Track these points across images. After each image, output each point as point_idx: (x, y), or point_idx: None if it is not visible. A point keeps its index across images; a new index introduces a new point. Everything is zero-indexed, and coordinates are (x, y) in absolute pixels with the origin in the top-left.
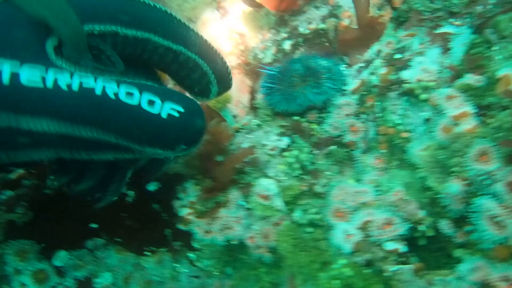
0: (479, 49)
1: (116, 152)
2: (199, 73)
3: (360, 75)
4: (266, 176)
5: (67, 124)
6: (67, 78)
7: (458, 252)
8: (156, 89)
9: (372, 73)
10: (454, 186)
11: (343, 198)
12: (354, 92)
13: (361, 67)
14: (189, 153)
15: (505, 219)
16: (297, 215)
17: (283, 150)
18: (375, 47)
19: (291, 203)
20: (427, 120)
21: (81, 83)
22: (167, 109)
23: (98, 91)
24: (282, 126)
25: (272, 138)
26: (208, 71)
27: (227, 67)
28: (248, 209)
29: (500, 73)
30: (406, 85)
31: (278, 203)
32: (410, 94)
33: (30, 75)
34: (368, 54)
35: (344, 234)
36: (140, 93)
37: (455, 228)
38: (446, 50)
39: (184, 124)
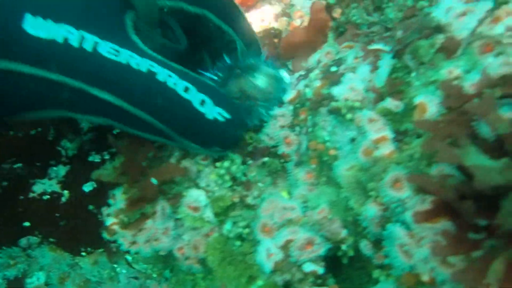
0: (399, 74)
1: (156, 135)
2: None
3: (298, 85)
4: (197, 187)
5: (126, 98)
6: (138, 59)
7: (376, 273)
8: (212, 91)
9: (307, 86)
10: (372, 209)
11: (271, 213)
12: (290, 102)
13: (301, 75)
14: (218, 155)
15: (412, 248)
16: (227, 227)
17: (215, 160)
18: (317, 55)
19: (222, 214)
20: (352, 140)
21: (149, 67)
22: (215, 112)
23: (161, 77)
24: None
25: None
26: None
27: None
28: (177, 219)
29: (417, 101)
30: (334, 104)
31: (208, 214)
32: (337, 113)
33: (109, 48)
34: (311, 61)
35: (267, 252)
36: (197, 90)
37: (374, 249)
38: (375, 68)
39: (226, 130)
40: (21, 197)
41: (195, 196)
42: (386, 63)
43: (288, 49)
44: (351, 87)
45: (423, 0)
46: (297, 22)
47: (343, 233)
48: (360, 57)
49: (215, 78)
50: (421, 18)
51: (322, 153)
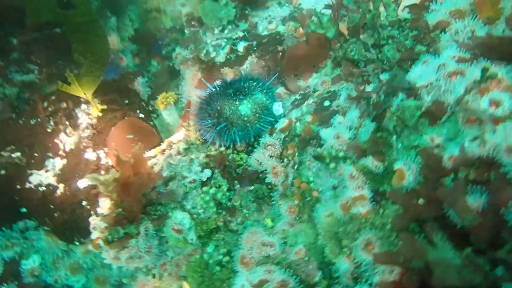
0: (383, 134)
1: None
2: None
3: (291, 113)
4: (182, 209)
5: None
6: None
7: None
8: None
9: (298, 119)
10: (344, 264)
11: (251, 246)
12: (282, 131)
13: (296, 100)
14: None
15: None
16: (209, 251)
17: (203, 183)
18: (315, 79)
19: (205, 237)
20: (334, 188)
21: None
22: None
23: None
24: (208, 156)
25: (194, 169)
26: None
27: None
28: (161, 238)
29: (396, 166)
30: (319, 150)
31: (191, 237)
32: (321, 160)
33: None
34: (308, 84)
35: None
36: None
37: None
38: (363, 115)
39: None
40: (18, 186)
41: (179, 218)
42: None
43: (291, 63)
44: (338, 134)
45: (421, 45)
46: (304, 30)
47: (318, 276)
48: (352, 98)
49: (212, 88)
50: (397, 78)
51: (306, 192)
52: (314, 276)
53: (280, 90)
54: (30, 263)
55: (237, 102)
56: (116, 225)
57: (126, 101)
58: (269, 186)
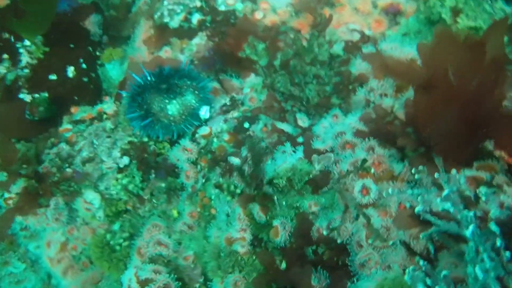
0: (272, 188)
1: None
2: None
3: (216, 120)
4: (95, 189)
5: None
6: None
7: None
8: None
9: (216, 136)
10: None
11: (150, 240)
12: (202, 137)
13: (225, 105)
14: None
15: None
16: (114, 228)
17: (120, 170)
18: (248, 86)
19: (113, 217)
20: (227, 215)
21: None
22: None
23: None
24: (130, 143)
25: (114, 154)
26: None
27: None
28: (72, 208)
29: (275, 223)
30: (221, 181)
31: (99, 215)
32: (220, 189)
33: None
34: (242, 86)
35: (128, 282)
36: None
37: None
38: (268, 158)
39: None
40: None
41: (90, 198)
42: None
43: (235, 55)
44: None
45: (337, 97)
46: (259, 15)
47: (200, 280)
48: (267, 132)
49: (140, 80)
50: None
51: (206, 206)
52: (197, 280)
53: (216, 85)
54: None
55: (166, 101)
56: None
57: (72, 45)
58: (181, 183)
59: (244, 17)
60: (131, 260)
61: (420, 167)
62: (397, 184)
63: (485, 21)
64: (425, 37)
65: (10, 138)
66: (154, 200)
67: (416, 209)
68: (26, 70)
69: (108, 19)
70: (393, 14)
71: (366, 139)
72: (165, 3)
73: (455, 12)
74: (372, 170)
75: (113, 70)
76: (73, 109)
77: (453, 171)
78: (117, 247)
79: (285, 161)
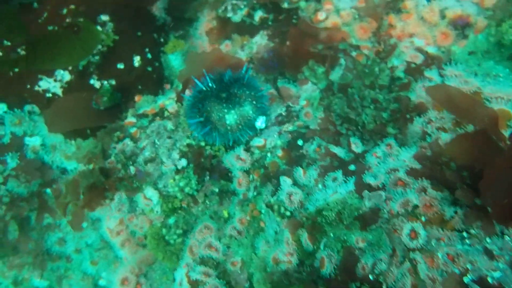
0: (322, 220)
1: None
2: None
3: (270, 131)
4: (154, 187)
5: None
6: None
7: None
8: None
9: (270, 151)
10: None
11: (201, 240)
12: (257, 148)
13: (280, 115)
14: None
15: None
16: (170, 222)
17: (177, 171)
18: (304, 97)
19: (169, 212)
20: (276, 233)
21: None
22: None
23: None
24: (188, 146)
25: (173, 156)
26: None
27: None
28: (132, 200)
29: (321, 254)
30: (272, 201)
31: (157, 209)
32: (271, 209)
33: None
34: (299, 95)
35: (179, 281)
36: None
37: None
38: (319, 180)
39: None
40: (28, 85)
41: (149, 194)
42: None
43: (295, 58)
44: (291, 193)
45: (393, 127)
46: (322, 15)
47: (246, 286)
48: (320, 154)
49: (201, 86)
50: None
51: (256, 218)
52: (242, 286)
53: (273, 91)
54: (33, 141)
55: (225, 110)
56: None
57: (139, 33)
58: (233, 187)
59: (305, 21)
60: (183, 257)
61: (474, 225)
62: (446, 232)
63: None
64: (493, 58)
65: (80, 127)
66: (207, 201)
67: (465, 279)
68: (97, 57)
69: (173, 0)
70: (462, 26)
71: (419, 179)
72: None
73: None
74: (423, 218)
75: (175, 60)
76: (136, 98)
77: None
78: (171, 241)
79: (336, 191)
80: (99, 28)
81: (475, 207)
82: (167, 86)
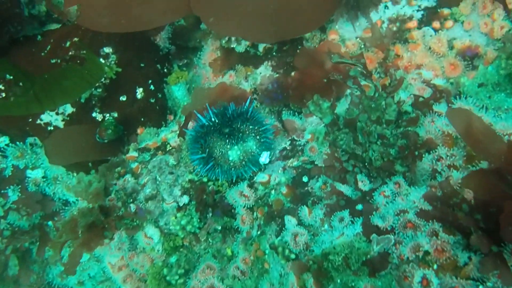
0: (328, 265)
1: None
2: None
3: (274, 167)
4: (155, 225)
5: None
6: None
7: None
8: None
9: (274, 188)
10: None
11: (203, 281)
12: (261, 184)
13: (285, 149)
14: None
15: None
16: (171, 261)
17: (179, 208)
18: (309, 131)
19: (170, 250)
20: (280, 276)
21: None
22: None
23: None
24: (190, 182)
25: (175, 192)
26: None
27: None
28: (133, 238)
29: None
30: (276, 242)
31: (158, 248)
32: (275, 251)
33: None
34: (304, 128)
35: None
36: None
37: None
38: (325, 219)
39: None
40: (30, 119)
41: (150, 233)
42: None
43: (299, 90)
44: (296, 234)
45: (401, 165)
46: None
47: None
48: (326, 192)
49: (204, 120)
50: None
51: (260, 259)
52: None
53: (277, 123)
54: (35, 174)
55: (228, 146)
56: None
57: (143, 65)
58: (236, 226)
59: (310, 52)
60: None
61: (491, 274)
62: (460, 281)
63: None
64: (505, 90)
65: (82, 160)
66: (209, 239)
67: None
68: (99, 90)
69: (177, 29)
70: (471, 57)
71: (430, 221)
72: None
73: None
74: (435, 266)
75: (178, 91)
76: (139, 130)
77: None
78: (173, 281)
79: (343, 233)
80: (102, 60)
81: (491, 254)
82: (170, 117)
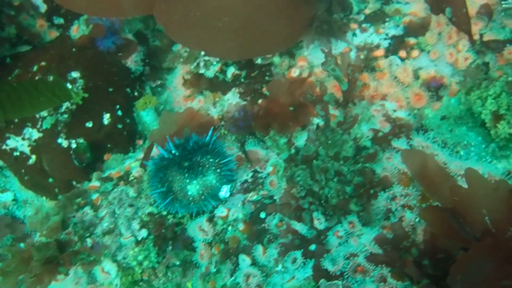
0: None
1: None
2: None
3: (234, 201)
4: (113, 259)
5: None
6: None
7: None
8: None
9: (231, 225)
10: None
11: None
12: (220, 218)
13: (246, 181)
14: None
15: None
16: None
17: (138, 242)
18: (271, 163)
19: (129, 285)
20: None
21: None
22: None
23: None
24: (149, 215)
25: (133, 226)
26: None
27: None
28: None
29: None
30: (229, 282)
31: (116, 282)
32: None
33: None
34: (267, 159)
35: None
36: None
37: None
38: (278, 260)
39: None
40: None
41: (107, 268)
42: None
43: (265, 119)
44: (248, 275)
45: (356, 204)
46: (295, 72)
47: None
48: (282, 230)
49: (164, 153)
50: None
51: None
52: None
53: (241, 153)
54: (4, 197)
55: (187, 180)
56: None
57: (111, 89)
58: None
59: (278, 78)
60: None
61: None
62: None
63: None
64: (467, 124)
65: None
66: (169, 273)
67: None
68: (65, 116)
69: (152, 49)
70: (436, 88)
71: (379, 266)
72: (202, 53)
73: (496, 116)
74: None
75: (147, 116)
76: (106, 156)
77: None
78: None
79: (293, 276)
80: (69, 85)
81: None
82: (140, 142)
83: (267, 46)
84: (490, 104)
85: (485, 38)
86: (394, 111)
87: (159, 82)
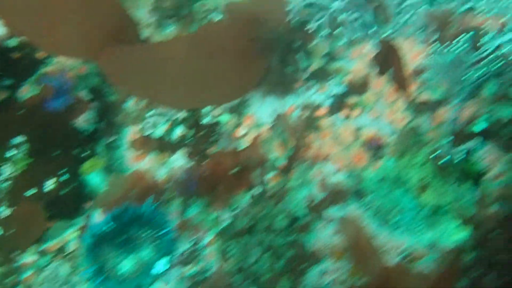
0: None
1: None
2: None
3: (171, 275)
4: None
5: None
6: None
7: None
8: None
9: None
10: None
11: None
12: None
13: (184, 253)
14: None
15: None
16: None
17: None
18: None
19: None
20: None
21: None
22: None
23: None
24: None
25: None
26: None
27: None
28: None
29: None
30: None
31: None
32: None
33: None
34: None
35: None
36: None
37: None
38: None
39: None
40: None
41: None
42: None
43: (209, 182)
44: None
45: (287, 279)
46: (241, 131)
47: None
48: None
49: (99, 226)
50: None
51: None
52: None
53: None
54: None
55: (121, 256)
56: None
57: (58, 152)
58: None
59: (224, 138)
60: None
61: None
62: None
63: (450, 201)
64: (401, 187)
65: None
66: None
67: None
68: (9, 182)
69: (108, 104)
70: (376, 148)
71: None
72: (149, 114)
73: (423, 185)
74: None
75: (95, 178)
76: (48, 224)
77: None
78: None
79: None
80: (14, 151)
81: None
82: (88, 205)
83: (217, 97)
84: (417, 173)
85: (421, 98)
86: (334, 173)
87: (114, 138)
